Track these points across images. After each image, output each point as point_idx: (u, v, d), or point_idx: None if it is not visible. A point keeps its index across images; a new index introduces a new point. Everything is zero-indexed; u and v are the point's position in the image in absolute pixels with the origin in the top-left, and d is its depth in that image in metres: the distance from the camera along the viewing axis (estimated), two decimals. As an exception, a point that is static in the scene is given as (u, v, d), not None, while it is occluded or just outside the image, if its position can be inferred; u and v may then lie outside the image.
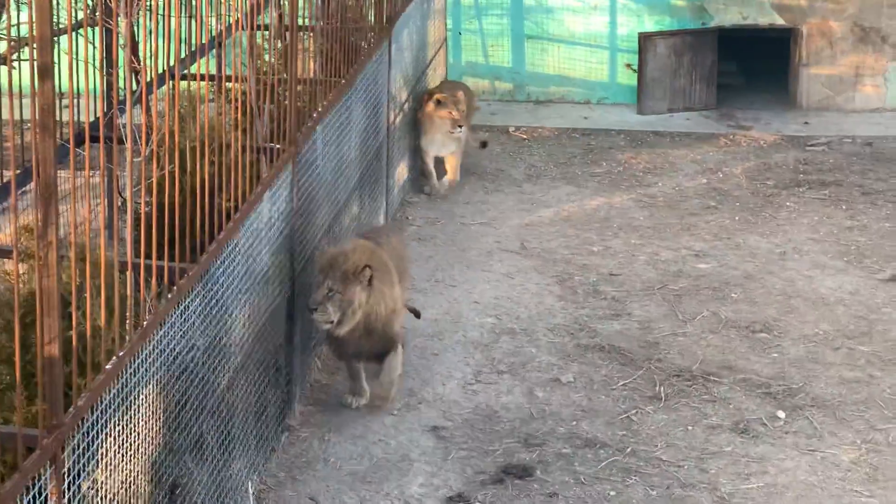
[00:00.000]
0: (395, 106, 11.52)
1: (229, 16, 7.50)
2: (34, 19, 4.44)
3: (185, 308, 6.07)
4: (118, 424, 5.36)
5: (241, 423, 7.10)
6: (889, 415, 8.45)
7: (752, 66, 16.23)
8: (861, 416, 8.44)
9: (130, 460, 5.52)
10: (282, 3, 8.59)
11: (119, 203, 7.49)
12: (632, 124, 14.69)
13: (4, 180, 8.02)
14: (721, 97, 15.29)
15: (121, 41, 6.86)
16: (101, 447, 5.20)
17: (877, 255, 11.01)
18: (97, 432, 5.15)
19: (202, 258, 6.25)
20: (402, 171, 12.09)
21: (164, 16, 6.21)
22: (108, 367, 5.13)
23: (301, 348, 8.39)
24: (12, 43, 7.69)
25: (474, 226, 11.70)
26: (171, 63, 6.34)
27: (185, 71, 8.19)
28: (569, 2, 15.28)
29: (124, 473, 5.46)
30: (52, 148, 4.49)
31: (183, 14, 6.96)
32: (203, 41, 7.33)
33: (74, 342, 4.94)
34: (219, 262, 6.54)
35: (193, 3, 6.89)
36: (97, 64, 8.28)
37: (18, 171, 7.36)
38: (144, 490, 5.71)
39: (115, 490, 5.38)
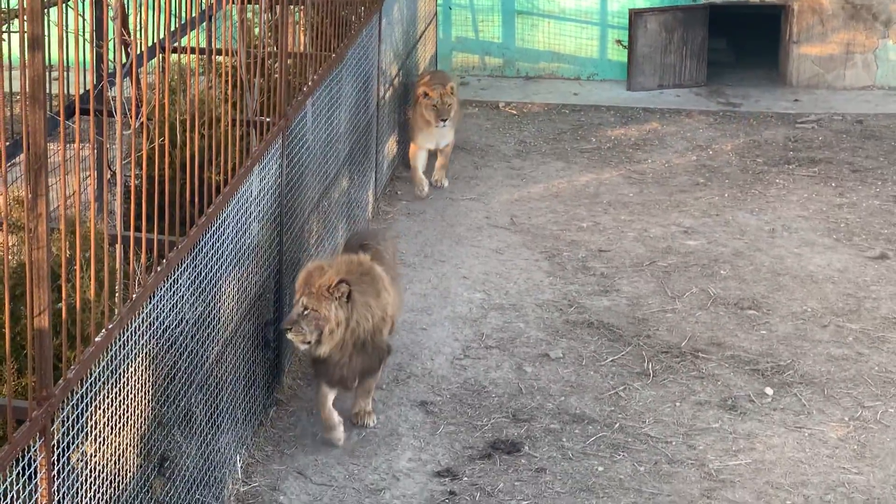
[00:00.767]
0: (385, 80, 11.49)
1: (220, -11, 7.47)
2: (24, -10, 4.42)
3: (174, 281, 6.07)
4: (107, 397, 5.36)
5: (229, 397, 7.10)
6: (877, 392, 8.47)
7: (743, 42, 16.22)
8: (849, 393, 8.47)
9: (120, 433, 5.52)
10: (272, -24, 8.56)
11: (108, 176, 7.48)
12: (622, 101, 14.68)
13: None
14: (711, 74, 15.28)
15: (111, 13, 6.83)
16: (91, 419, 5.20)
17: (866, 232, 11.03)
18: (87, 405, 5.15)
19: (191, 231, 6.24)
20: (391, 146, 12.07)
21: (154, -12, 6.19)
22: (97, 339, 5.13)
23: (290, 322, 8.38)
24: (2, 14, 7.65)
25: (463, 201, 11.69)
26: (162, 36, 6.32)
27: (176, 44, 8.16)
28: (559, -23, 15.27)
29: (113, 446, 5.46)
30: (43, 119, 4.47)
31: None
32: (193, 14, 7.31)
33: (64, 314, 4.93)
34: (208, 235, 6.53)
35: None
36: (87, 36, 8.27)
37: (8, 143, 7.34)
38: (133, 462, 5.72)
39: (105, 462, 5.38)
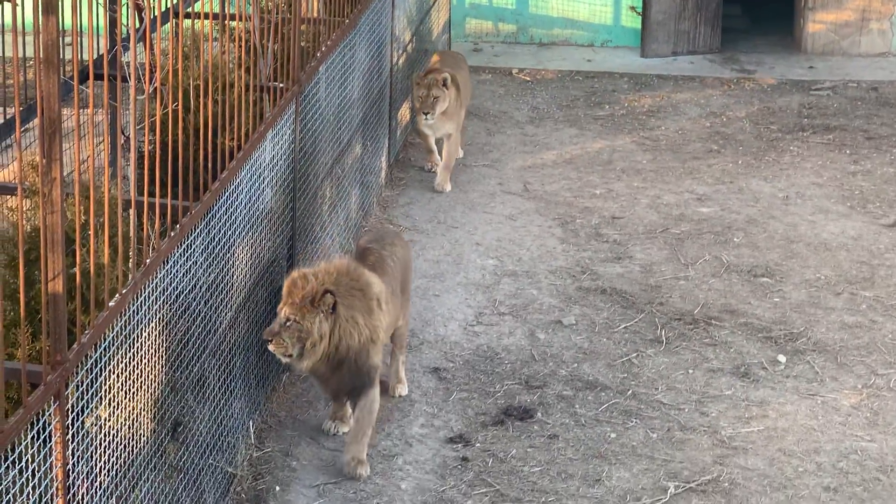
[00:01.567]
0: (399, 46, 11.46)
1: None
2: (38, -46, 4.41)
3: (187, 247, 6.07)
4: (121, 362, 5.37)
5: (242, 362, 7.12)
6: (890, 360, 8.46)
7: (757, 9, 16.15)
8: (862, 360, 8.46)
9: (133, 397, 5.54)
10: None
11: (122, 141, 7.48)
12: (635, 67, 14.63)
13: (8, 116, 8.00)
14: (725, 40, 15.22)
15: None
16: (105, 384, 5.22)
17: (880, 200, 11.00)
18: (101, 369, 5.17)
19: (205, 197, 6.24)
20: (404, 112, 12.05)
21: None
22: (111, 304, 5.14)
23: (303, 288, 8.38)
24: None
25: (477, 167, 11.68)
26: (175, 1, 6.31)
27: (189, 9, 8.14)
28: (574, -57, 15.20)
29: (127, 410, 5.48)
30: (57, 84, 4.47)
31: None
32: (207, -21, 7.29)
33: (78, 279, 4.95)
34: (221, 200, 6.53)
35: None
36: (101, 1, 8.26)
37: (22, 108, 7.35)
38: (147, 427, 5.74)
39: (118, 427, 5.40)
